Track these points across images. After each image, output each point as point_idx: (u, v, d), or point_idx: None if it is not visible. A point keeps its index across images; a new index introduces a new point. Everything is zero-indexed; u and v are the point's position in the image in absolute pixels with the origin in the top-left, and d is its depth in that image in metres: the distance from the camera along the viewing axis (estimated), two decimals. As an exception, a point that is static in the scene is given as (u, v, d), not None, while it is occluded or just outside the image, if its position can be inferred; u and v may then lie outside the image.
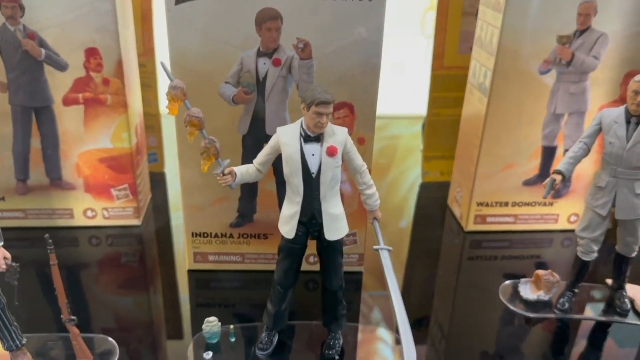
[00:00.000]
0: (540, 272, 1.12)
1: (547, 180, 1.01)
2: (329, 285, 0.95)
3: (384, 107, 1.13)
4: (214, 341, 0.99)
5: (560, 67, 1.22)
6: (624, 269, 1.08)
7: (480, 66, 1.27)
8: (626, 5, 1.16)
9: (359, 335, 1.04)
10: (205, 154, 0.85)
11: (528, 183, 1.33)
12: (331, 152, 0.86)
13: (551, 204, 1.35)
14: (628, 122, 0.96)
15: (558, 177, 1.00)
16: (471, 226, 1.36)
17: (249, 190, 1.12)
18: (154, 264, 1.26)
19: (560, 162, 1.02)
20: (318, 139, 0.86)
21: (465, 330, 1.10)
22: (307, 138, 0.86)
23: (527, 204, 1.35)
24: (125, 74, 1.21)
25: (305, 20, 0.98)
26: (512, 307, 1.11)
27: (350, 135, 0.91)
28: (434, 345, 1.06)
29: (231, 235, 1.16)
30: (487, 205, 1.34)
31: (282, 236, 0.92)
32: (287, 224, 0.90)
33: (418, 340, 1.05)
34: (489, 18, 1.23)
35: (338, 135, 0.87)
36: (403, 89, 1.94)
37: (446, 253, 1.34)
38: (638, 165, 0.96)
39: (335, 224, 0.90)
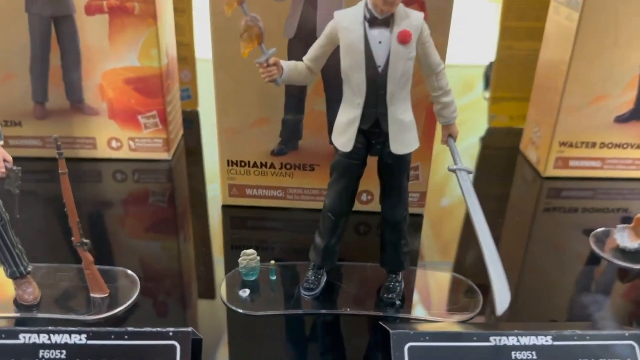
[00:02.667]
0: (643, 215, 0.93)
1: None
2: (390, 214, 0.78)
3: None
4: (252, 278, 0.83)
5: (673, -26, 1.01)
6: None
7: (570, -22, 1.07)
8: None
9: (420, 279, 0.87)
10: (246, 34, 0.68)
11: (620, 119, 1.13)
12: (404, 37, 0.68)
13: (647, 146, 1.15)
14: None
15: None
16: (550, 171, 1.17)
17: (295, 108, 0.95)
18: (185, 202, 1.12)
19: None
20: (387, 22, 0.69)
21: (543, 288, 0.91)
22: (372, 21, 0.68)
23: (618, 146, 1.15)
24: (155, -21, 1.06)
25: None
26: (606, 257, 0.92)
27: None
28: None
29: (272, 166, 1.00)
30: (570, 145, 1.14)
31: (336, 150, 0.75)
32: (344, 134, 0.73)
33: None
34: None
35: (413, 19, 0.69)
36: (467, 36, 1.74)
37: (518, 204, 1.14)
38: None
39: (404, 135, 0.72)
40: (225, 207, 1.05)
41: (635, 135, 1.12)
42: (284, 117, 0.96)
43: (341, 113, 0.74)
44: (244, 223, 1.03)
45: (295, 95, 0.93)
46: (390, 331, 0.66)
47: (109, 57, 1.09)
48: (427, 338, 0.65)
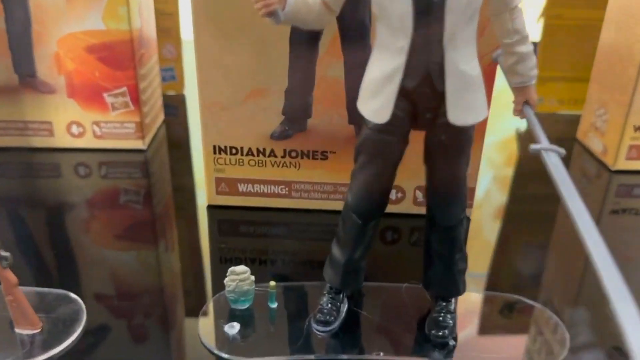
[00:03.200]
0: None
1: None
2: (443, 217, 0.55)
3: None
4: (244, 307, 0.60)
5: None
6: None
7: None
8: None
9: (475, 307, 0.64)
10: None
11: None
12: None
13: None
14: None
15: None
16: (622, 163, 0.95)
17: (303, 74, 0.73)
18: (163, 203, 0.90)
19: None
20: None
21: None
22: None
23: None
24: None
25: None
26: None
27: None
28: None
29: (272, 153, 0.78)
30: (649, 130, 0.91)
31: (365, 123, 0.52)
32: (377, 97, 0.50)
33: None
34: None
35: None
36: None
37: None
38: None
39: (468, 96, 0.49)
40: (212, 208, 0.84)
41: None
42: (287, 87, 0.75)
43: (373, 65, 0.51)
44: (235, 229, 0.82)
45: (303, 57, 0.71)
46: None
47: (67, 19, 0.90)
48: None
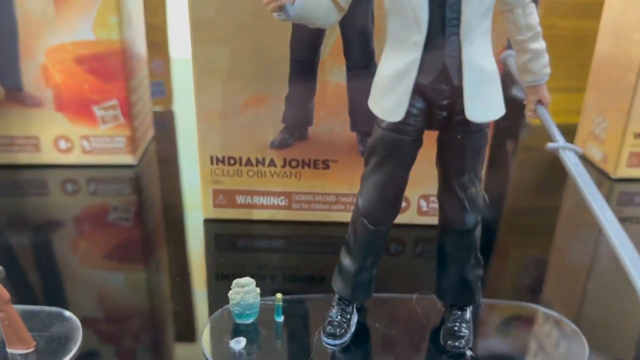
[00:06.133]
0: None
1: None
2: (458, 220, 0.52)
3: None
4: (249, 320, 0.57)
5: None
6: None
7: None
8: None
9: (488, 315, 0.61)
10: None
11: None
12: None
13: None
14: None
15: None
16: (622, 171, 0.94)
17: (304, 79, 0.71)
18: (155, 220, 0.87)
19: None
20: None
21: (618, 324, 0.65)
22: None
23: None
24: None
25: None
26: None
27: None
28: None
29: (272, 163, 0.75)
30: (649, 137, 0.90)
31: (376, 123, 0.50)
32: (391, 94, 0.48)
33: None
34: None
35: None
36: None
37: (576, 217, 0.90)
38: None
39: (486, 90, 0.47)
40: (209, 222, 0.81)
41: None
42: (288, 94, 0.73)
43: (386, 62, 0.49)
44: (233, 243, 0.79)
45: (303, 61, 0.69)
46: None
47: (55, 29, 0.87)
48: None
